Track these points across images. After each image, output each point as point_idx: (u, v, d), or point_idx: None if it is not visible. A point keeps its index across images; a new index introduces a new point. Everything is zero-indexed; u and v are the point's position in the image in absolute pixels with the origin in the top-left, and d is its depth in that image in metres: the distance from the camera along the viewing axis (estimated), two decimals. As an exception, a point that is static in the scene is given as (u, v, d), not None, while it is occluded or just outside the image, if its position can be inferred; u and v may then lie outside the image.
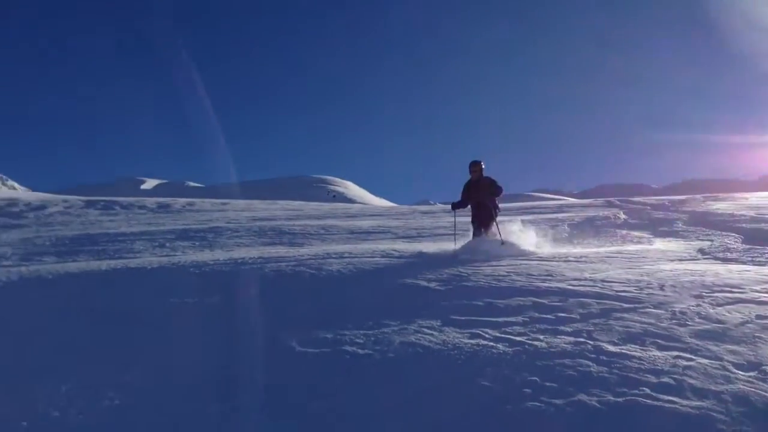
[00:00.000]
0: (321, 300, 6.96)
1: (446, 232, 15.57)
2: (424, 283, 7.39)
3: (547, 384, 4.09)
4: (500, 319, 5.57)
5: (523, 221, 13.07)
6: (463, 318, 5.68)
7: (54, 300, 7.80)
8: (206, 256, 11.11)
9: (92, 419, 4.10)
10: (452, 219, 12.47)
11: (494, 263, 8.63)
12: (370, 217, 23.05)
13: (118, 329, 6.25)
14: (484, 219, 11.11)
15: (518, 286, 6.78)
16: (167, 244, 13.75)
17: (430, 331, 5.31)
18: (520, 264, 8.55)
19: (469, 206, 11.46)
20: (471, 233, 11.38)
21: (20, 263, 11.29)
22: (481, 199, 11.14)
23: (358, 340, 5.18)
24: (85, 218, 22.34)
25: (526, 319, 5.56)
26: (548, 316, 5.58)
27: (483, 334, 5.17)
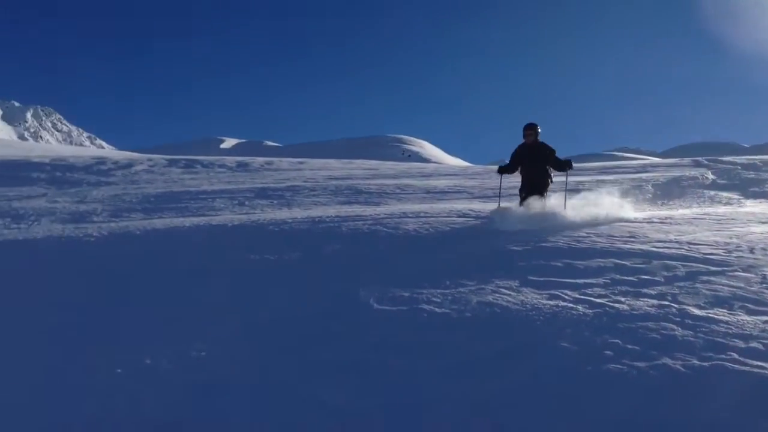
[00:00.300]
0: (397, 259, 6.99)
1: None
2: (502, 243, 7.32)
3: (629, 347, 4.01)
4: (580, 281, 5.47)
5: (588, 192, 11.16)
6: (541, 279, 5.60)
7: (142, 255, 8.12)
8: (284, 214, 11.31)
9: (180, 369, 4.27)
10: (500, 183, 11.63)
11: (573, 225, 8.44)
12: (445, 176, 22.90)
13: (202, 284, 6.46)
14: (534, 189, 9.80)
15: (599, 248, 6.62)
16: (246, 203, 14.06)
17: (508, 292, 5.27)
18: (601, 225, 8.35)
19: (520, 173, 10.22)
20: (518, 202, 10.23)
21: (110, 219, 11.79)
22: (534, 168, 9.89)
23: (434, 299, 5.19)
24: (169, 176, 23.03)
25: (607, 280, 5.44)
26: (630, 279, 5.44)
27: (562, 295, 5.09)
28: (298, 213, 11.35)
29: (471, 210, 10.63)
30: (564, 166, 9.83)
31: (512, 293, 5.23)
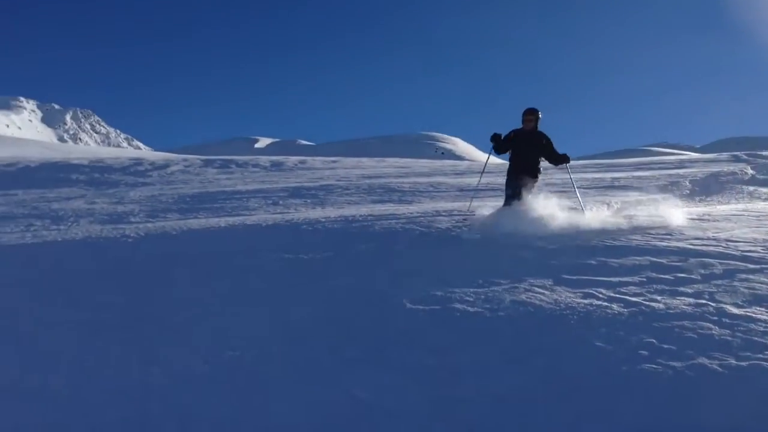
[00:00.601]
0: (430, 258, 6.99)
1: (557, 190, 15.20)
2: (535, 241, 7.27)
3: (665, 346, 3.96)
4: (615, 279, 5.41)
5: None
6: (574, 277, 5.56)
7: (178, 256, 8.25)
8: (318, 213, 11.38)
9: (215, 368, 4.33)
10: (486, 161, 10.63)
11: (608, 221, 8.33)
12: (478, 174, 22.81)
13: (237, 284, 6.53)
14: (522, 180, 8.66)
15: (634, 245, 6.54)
16: (281, 202, 14.18)
17: (541, 290, 5.23)
18: (639, 221, 8.24)
19: (509, 163, 9.24)
20: (503, 200, 9.19)
21: (147, 220, 11.99)
22: (526, 157, 8.83)
23: (467, 298, 5.18)
24: (204, 176, 23.32)
25: (642, 279, 5.37)
26: (667, 277, 5.36)
27: (596, 294, 5.04)
28: (331, 212, 11.42)
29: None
30: (561, 159, 9.00)
31: (546, 292, 5.19)
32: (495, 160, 11.08)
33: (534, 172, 8.81)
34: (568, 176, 9.84)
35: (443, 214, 9.94)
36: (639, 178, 17.48)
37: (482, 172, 10.56)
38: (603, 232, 7.49)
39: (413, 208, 11.33)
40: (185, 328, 5.20)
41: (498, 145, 8.95)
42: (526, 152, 8.80)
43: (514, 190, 8.73)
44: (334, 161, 27.65)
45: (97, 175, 22.74)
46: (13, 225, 11.75)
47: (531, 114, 8.89)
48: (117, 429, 3.57)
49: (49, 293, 6.63)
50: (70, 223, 11.78)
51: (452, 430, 3.32)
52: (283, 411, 3.69)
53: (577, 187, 9.45)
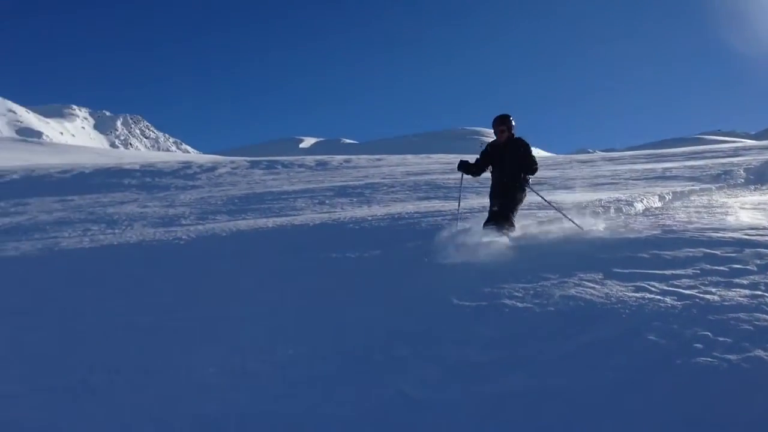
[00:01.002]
0: (478, 253, 6.98)
1: (606, 182, 14.97)
2: (584, 235, 7.19)
3: (720, 339, 3.88)
4: (668, 272, 5.31)
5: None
6: (626, 271, 5.48)
7: (228, 257, 8.40)
8: (364, 212, 11.45)
9: (268, 367, 4.40)
10: (460, 183, 9.04)
11: (659, 212, 8.19)
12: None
13: (286, 284, 6.63)
14: (504, 197, 7.64)
15: (687, 237, 6.41)
16: (327, 201, 14.31)
17: (592, 285, 5.17)
18: (691, 212, 8.09)
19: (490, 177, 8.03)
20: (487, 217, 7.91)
21: (197, 222, 12.23)
22: (506, 170, 7.67)
23: (516, 294, 5.15)
24: (251, 178, 23.67)
25: (696, 271, 5.26)
26: (721, 268, 5.25)
27: (649, 287, 4.96)
28: (377, 210, 11.48)
29: (553, 201, 10.48)
30: (530, 169, 7.66)
31: (596, 286, 5.13)
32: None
33: (519, 185, 7.67)
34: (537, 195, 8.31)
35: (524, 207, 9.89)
36: (691, 167, 17.11)
37: (459, 197, 9.24)
38: (655, 224, 7.36)
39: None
40: (239, 328, 5.31)
41: (470, 171, 8.02)
42: (504, 166, 7.70)
43: (499, 208, 7.65)
44: (378, 159, 27.77)
45: (148, 179, 23.27)
46: (71, 230, 12.13)
47: (501, 124, 7.74)
48: (178, 429, 3.67)
49: (108, 295, 6.83)
50: (124, 227, 12.10)
51: (501, 427, 3.32)
52: (334, 407, 3.74)
53: (553, 205, 8.38)
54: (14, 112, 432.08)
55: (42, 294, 7.13)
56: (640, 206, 9.78)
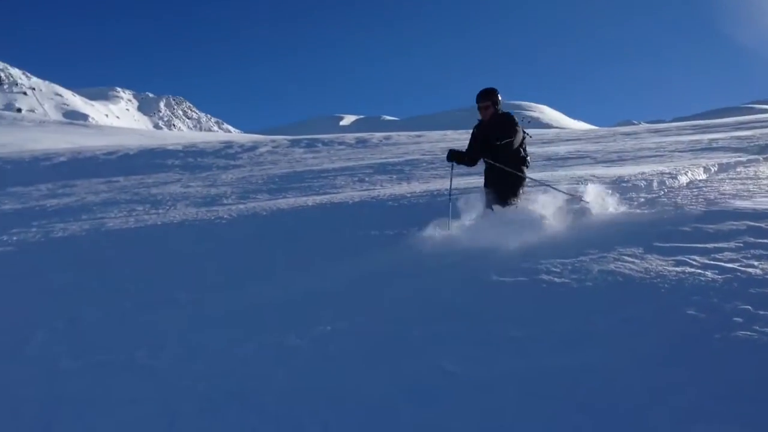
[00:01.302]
0: (517, 228, 6.94)
1: (651, 155, 14.70)
2: (625, 209, 7.10)
3: (761, 313, 3.82)
4: (709, 245, 5.23)
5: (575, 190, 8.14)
6: (667, 245, 5.40)
7: (269, 236, 8.52)
8: (403, 189, 11.47)
9: (308, 344, 4.48)
10: (450, 178, 7.97)
11: (704, 184, 8.01)
12: (566, 141, 22.32)
13: (326, 262, 6.70)
14: (498, 183, 6.97)
15: (731, 209, 6.28)
16: (366, 179, 14.35)
17: (631, 259, 5.12)
18: (737, 184, 7.91)
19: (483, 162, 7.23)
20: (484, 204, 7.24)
21: (238, 201, 12.41)
22: (493, 151, 6.92)
23: (554, 269, 5.13)
24: (291, 156, 23.84)
25: (739, 244, 5.16)
26: (765, 241, 5.13)
27: (690, 261, 4.89)
28: (417, 187, 11.48)
29: (593, 176, 10.35)
30: (507, 135, 6.80)
31: (636, 260, 5.08)
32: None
33: (514, 167, 6.94)
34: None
35: (529, 184, 9.80)
36: (738, 138, 16.69)
37: (450, 189, 7.94)
38: (699, 197, 7.23)
39: (499, 180, 11.23)
40: (278, 304, 5.40)
41: (462, 161, 7.25)
42: (493, 146, 6.93)
43: (494, 194, 7.04)
44: (418, 136, 27.67)
45: (191, 159, 23.61)
46: (116, 210, 12.42)
47: (485, 99, 6.97)
48: (221, 404, 3.77)
49: (152, 274, 7.01)
50: (168, 207, 12.34)
51: (538, 403, 3.33)
52: (372, 382, 3.79)
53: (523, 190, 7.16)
54: (61, 95, 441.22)
55: (90, 272, 7.35)
56: (684, 179, 9.59)
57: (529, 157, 7.15)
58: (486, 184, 7.19)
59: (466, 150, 7.26)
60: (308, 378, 3.94)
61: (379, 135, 30.18)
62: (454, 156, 7.22)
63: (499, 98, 6.98)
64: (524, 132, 7.07)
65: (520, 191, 7.02)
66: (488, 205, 6.94)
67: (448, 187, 7.51)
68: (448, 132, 31.44)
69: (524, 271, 5.19)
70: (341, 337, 4.50)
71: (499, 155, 6.83)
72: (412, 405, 3.48)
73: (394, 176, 14.38)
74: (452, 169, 7.63)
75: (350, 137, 29.51)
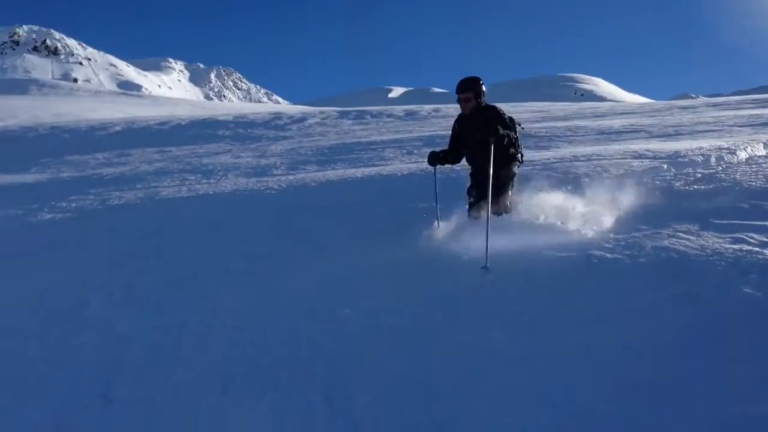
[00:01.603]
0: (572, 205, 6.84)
1: (708, 129, 14.28)
2: (680, 185, 6.94)
3: (822, 292, 3.70)
4: (768, 223, 5.08)
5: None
6: (724, 222, 5.27)
7: (318, 206, 8.58)
8: (452, 161, 11.39)
9: (355, 315, 4.52)
10: (435, 182, 6.81)
11: (762, 160, 7.77)
12: (620, 115, 21.83)
13: (374, 234, 6.72)
14: (485, 185, 5.78)
15: (793, 187, 6.09)
16: (415, 151, 14.30)
17: (686, 236, 5.01)
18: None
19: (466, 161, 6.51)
20: (467, 209, 6.45)
21: (288, 172, 12.52)
22: (477, 150, 6.08)
23: (606, 245, 5.05)
24: (340, 128, 23.90)
25: (800, 222, 5.01)
26: (827, 219, 4.97)
27: (747, 238, 4.76)
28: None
29: (648, 150, 10.12)
30: (503, 131, 5.89)
31: (691, 237, 4.97)
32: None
33: (502, 163, 6.02)
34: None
35: (581, 159, 9.65)
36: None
37: (435, 191, 6.66)
38: (758, 173, 7.01)
39: (550, 154, 11.08)
40: (328, 275, 5.45)
41: (440, 158, 6.54)
42: (477, 142, 6.06)
43: (479, 193, 6.11)
44: (468, 108, 27.29)
45: (241, 130, 23.84)
46: (169, 179, 12.66)
47: (465, 90, 6.17)
48: (271, 369, 3.84)
49: (205, 243, 7.14)
50: (219, 177, 12.53)
51: (581, 378, 3.30)
52: (418, 355, 3.80)
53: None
54: (115, 66, 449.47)
55: (146, 240, 7.53)
56: (743, 155, 9.30)
57: (521, 153, 6.33)
58: (473, 173, 6.35)
59: (448, 148, 6.57)
60: (356, 347, 3.98)
61: (428, 107, 29.99)
62: (435, 158, 6.53)
63: (483, 89, 6.22)
64: (518, 124, 6.34)
65: (510, 193, 6.20)
66: (474, 212, 6.13)
67: (435, 188, 6.58)
68: (498, 104, 31.12)
69: (574, 246, 5.11)
70: (389, 309, 4.50)
71: (483, 153, 5.86)
72: (456, 379, 3.49)
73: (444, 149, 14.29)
74: (435, 173, 6.78)
75: (399, 109, 29.38)
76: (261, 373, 3.79)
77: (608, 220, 5.84)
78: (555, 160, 9.63)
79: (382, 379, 3.54)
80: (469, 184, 6.41)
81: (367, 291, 4.86)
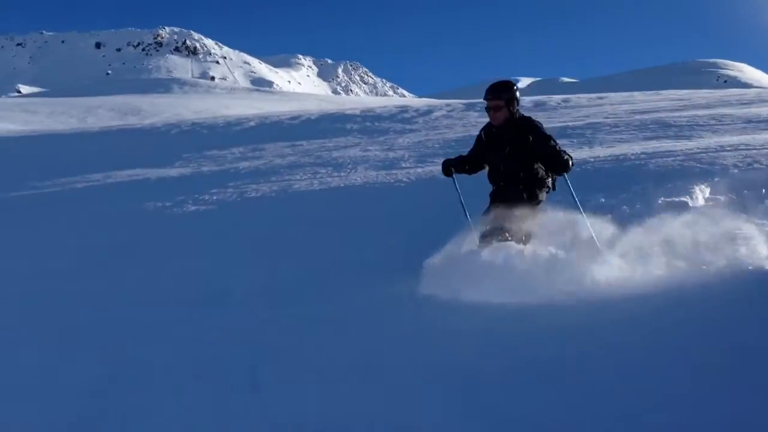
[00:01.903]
0: (714, 195, 6.47)
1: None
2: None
3: None
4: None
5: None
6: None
7: (448, 201, 8.54)
8: (585, 153, 11.03)
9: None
10: (458, 191, 5.92)
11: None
12: (766, 103, 20.31)
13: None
14: (509, 207, 5.11)
15: None
16: (545, 142, 13.94)
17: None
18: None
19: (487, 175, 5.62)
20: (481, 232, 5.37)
21: (416, 165, 12.56)
22: (512, 163, 5.21)
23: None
24: (467, 120, 23.68)
25: None
26: None
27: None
28: (599, 151, 11.00)
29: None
30: (558, 163, 5.08)
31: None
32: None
33: (529, 191, 5.20)
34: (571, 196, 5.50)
35: (727, 149, 9.06)
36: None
37: (462, 203, 5.81)
38: None
39: (692, 144, 10.47)
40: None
41: (457, 166, 5.69)
42: (505, 161, 5.26)
43: (493, 227, 5.19)
44: (600, 98, 26.40)
45: (369, 123, 24.19)
46: (301, 173, 13.04)
47: (494, 97, 5.17)
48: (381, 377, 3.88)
49: (335, 235, 7.31)
50: (349, 170, 12.76)
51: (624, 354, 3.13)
52: (442, 335, 3.95)
53: (584, 212, 5.47)
54: (249, 63, 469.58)
55: (281, 231, 7.82)
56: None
57: (551, 180, 5.35)
58: (493, 195, 5.47)
59: (467, 156, 5.70)
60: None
61: (557, 97, 29.15)
62: (450, 166, 5.73)
63: (518, 96, 5.22)
64: (553, 140, 5.16)
65: (536, 209, 5.25)
66: (487, 237, 5.20)
67: (459, 200, 5.78)
68: (634, 93, 29.75)
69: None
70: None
71: (511, 174, 5.21)
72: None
73: (575, 140, 13.83)
74: (455, 183, 5.85)
75: (527, 100, 28.74)
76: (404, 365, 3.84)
77: None
78: (698, 151, 9.10)
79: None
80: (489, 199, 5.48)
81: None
